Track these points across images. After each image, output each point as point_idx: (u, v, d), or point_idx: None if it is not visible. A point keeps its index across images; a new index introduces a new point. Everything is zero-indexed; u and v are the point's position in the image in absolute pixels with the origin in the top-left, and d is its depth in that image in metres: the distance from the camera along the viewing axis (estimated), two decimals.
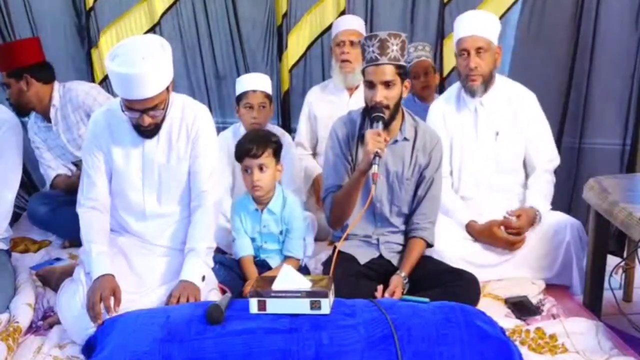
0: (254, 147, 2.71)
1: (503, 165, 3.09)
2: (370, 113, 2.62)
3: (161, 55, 2.42)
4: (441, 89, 3.91)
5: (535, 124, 3.10)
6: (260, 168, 2.72)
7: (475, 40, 2.94)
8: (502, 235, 2.93)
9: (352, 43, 3.52)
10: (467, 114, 3.09)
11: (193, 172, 2.62)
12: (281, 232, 2.82)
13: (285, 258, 2.83)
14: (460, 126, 3.09)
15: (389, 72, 2.58)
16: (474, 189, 3.10)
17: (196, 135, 2.60)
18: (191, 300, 2.39)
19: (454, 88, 3.17)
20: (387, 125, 2.62)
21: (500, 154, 3.07)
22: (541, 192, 3.05)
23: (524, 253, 2.97)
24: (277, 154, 2.78)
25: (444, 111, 3.12)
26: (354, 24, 3.63)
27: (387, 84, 2.59)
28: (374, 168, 2.51)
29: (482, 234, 2.97)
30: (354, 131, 2.74)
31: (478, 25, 2.96)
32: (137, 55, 2.36)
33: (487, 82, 3.01)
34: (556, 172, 3.20)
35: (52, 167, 3.48)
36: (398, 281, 2.59)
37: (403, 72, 2.63)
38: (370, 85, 2.62)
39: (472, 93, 3.03)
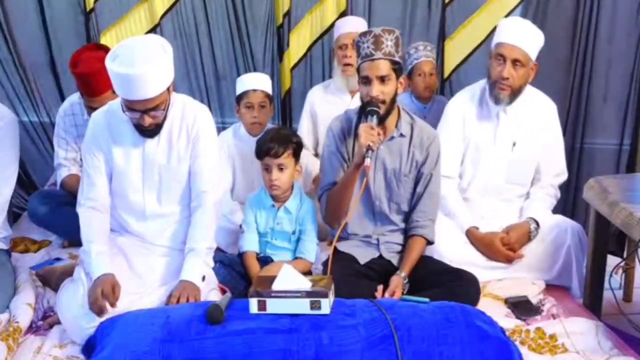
0: (275, 146, 2.72)
1: (514, 177, 3.05)
2: (365, 108, 2.63)
3: (162, 56, 2.41)
4: (441, 91, 3.91)
5: (550, 136, 3.06)
6: (280, 168, 2.74)
7: (515, 50, 2.85)
8: (501, 249, 2.91)
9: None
10: (489, 120, 3.03)
11: (193, 172, 2.61)
12: (294, 232, 2.83)
13: (296, 259, 2.82)
14: (479, 131, 3.04)
15: (384, 67, 2.58)
16: (480, 196, 3.08)
17: (196, 136, 2.60)
18: (191, 300, 2.39)
19: (478, 88, 3.08)
20: (382, 121, 2.62)
21: (514, 164, 3.03)
22: (541, 203, 3.03)
23: (525, 257, 2.95)
24: (297, 154, 2.79)
25: (464, 111, 3.06)
26: (357, 25, 3.56)
27: (383, 79, 2.59)
28: (367, 161, 2.51)
29: (481, 242, 2.96)
30: (350, 128, 2.74)
31: (522, 37, 2.87)
32: (138, 56, 2.36)
33: (515, 94, 2.93)
34: None
35: (66, 165, 3.35)
36: (398, 281, 2.59)
37: (398, 68, 2.63)
38: (365, 80, 2.61)
39: (496, 100, 2.95)
